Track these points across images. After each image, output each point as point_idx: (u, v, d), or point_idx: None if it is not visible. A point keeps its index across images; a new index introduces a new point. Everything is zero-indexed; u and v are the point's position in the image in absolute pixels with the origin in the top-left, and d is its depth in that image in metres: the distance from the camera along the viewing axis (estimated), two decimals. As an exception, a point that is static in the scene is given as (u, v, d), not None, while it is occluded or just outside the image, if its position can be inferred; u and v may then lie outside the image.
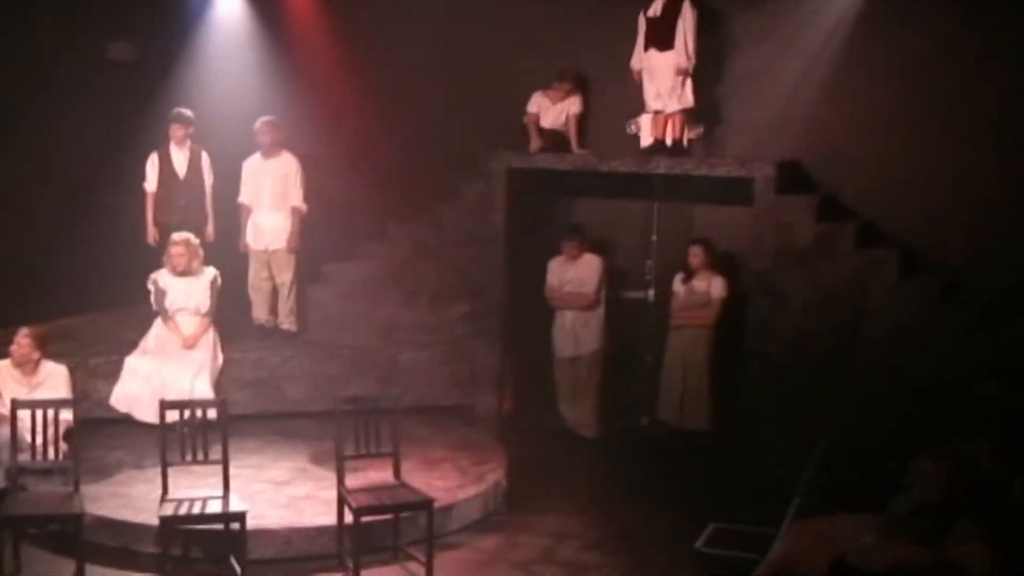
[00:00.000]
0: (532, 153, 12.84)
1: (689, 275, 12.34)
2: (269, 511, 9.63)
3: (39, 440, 9.09)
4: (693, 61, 12.23)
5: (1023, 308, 11.05)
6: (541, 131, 12.97)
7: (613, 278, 12.90)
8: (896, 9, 11.74)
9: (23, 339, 9.90)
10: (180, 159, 12.56)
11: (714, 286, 12.22)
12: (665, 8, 12.25)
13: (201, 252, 11.68)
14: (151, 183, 12.56)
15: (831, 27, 12.12)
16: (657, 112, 12.35)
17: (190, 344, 11.41)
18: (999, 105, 11.46)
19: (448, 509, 9.95)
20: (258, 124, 12.60)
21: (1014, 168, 11.42)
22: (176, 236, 11.59)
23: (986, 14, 11.39)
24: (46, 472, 9.50)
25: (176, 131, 12.47)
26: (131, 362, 11.46)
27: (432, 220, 13.20)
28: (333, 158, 13.05)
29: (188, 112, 12.54)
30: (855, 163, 12.03)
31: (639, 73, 12.42)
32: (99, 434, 11.05)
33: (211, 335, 11.65)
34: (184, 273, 11.51)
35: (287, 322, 12.87)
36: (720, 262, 12.33)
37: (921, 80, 11.78)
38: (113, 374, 11.49)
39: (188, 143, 12.57)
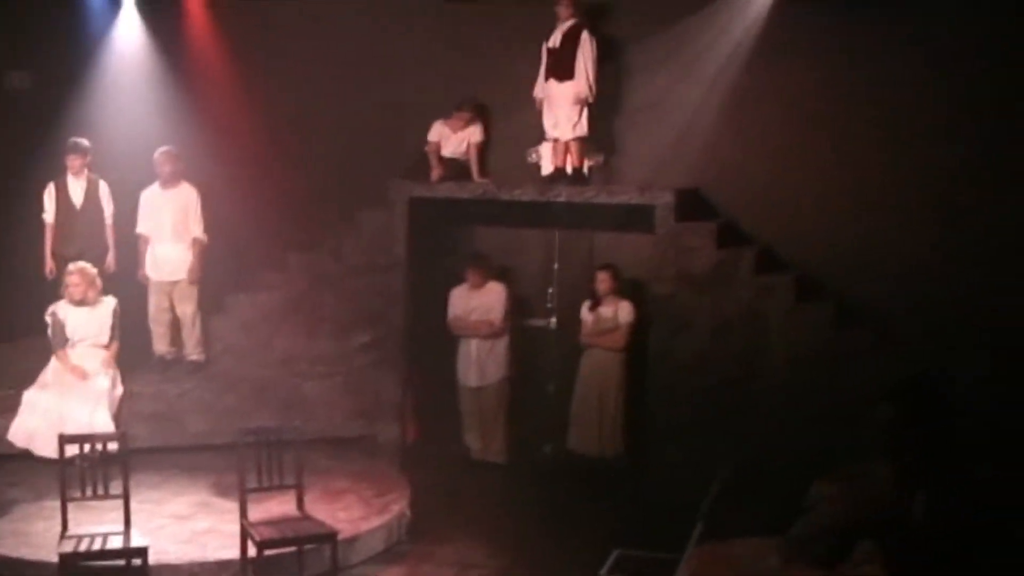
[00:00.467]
0: (433, 182, 12.84)
1: (596, 302, 12.39)
2: (171, 546, 9.52)
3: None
4: (593, 90, 12.30)
5: (915, 331, 11.30)
6: (442, 160, 12.98)
7: (516, 306, 12.92)
8: (785, 40, 11.95)
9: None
10: (77, 190, 12.42)
11: (621, 311, 12.28)
12: (564, 38, 12.30)
13: (99, 282, 11.51)
14: (48, 214, 12.41)
15: (726, 57, 12.29)
16: (555, 140, 12.42)
17: (80, 374, 11.21)
18: (887, 131, 11.72)
19: (352, 541, 9.89)
20: (157, 154, 12.50)
21: (903, 193, 11.67)
22: (71, 266, 11.43)
23: (868, 44, 11.70)
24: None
25: (73, 161, 12.34)
26: (29, 396, 11.22)
27: (332, 249, 13.12)
28: (232, 187, 12.96)
29: (85, 142, 12.41)
30: (752, 190, 12.21)
31: (541, 102, 12.48)
32: (-3, 470, 10.88)
33: (111, 367, 11.49)
34: (82, 303, 11.34)
35: (195, 353, 12.77)
36: (626, 288, 12.38)
37: (812, 108, 12.02)
38: (11, 408, 11.27)
39: (86, 173, 12.43)
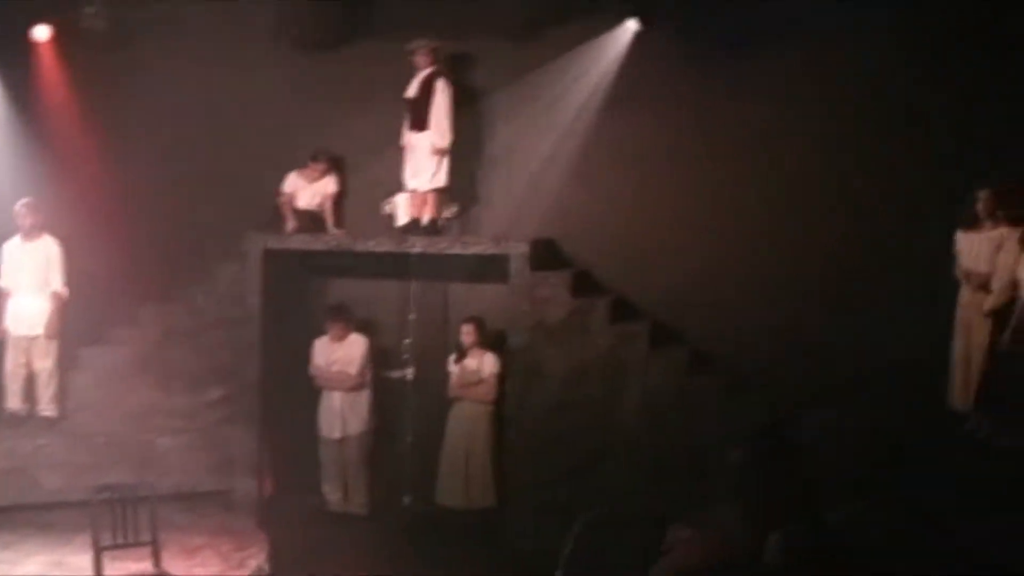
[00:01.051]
0: (288, 234, 12.83)
1: (461, 354, 12.47)
2: (25, 607, 9.37)
3: None
4: (448, 140, 12.40)
5: (765, 376, 11.58)
6: (296, 211, 12.98)
7: (375, 358, 12.91)
8: (636, 90, 12.22)
9: None
10: None
11: (486, 363, 12.36)
12: (421, 89, 12.41)
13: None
14: None
15: (577, 107, 12.50)
16: (413, 191, 12.50)
17: None
18: (738, 179, 12.02)
19: (211, 596, 9.83)
20: (18, 206, 12.34)
21: (755, 242, 11.97)
22: None
23: (718, 94, 11.97)
24: None
25: None
26: None
27: (185, 303, 13.01)
28: (87, 240, 12.76)
29: None
30: (605, 239, 12.42)
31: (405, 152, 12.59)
32: None
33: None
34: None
35: (48, 408, 12.54)
36: (491, 340, 12.44)
37: (663, 157, 12.29)
38: None
39: None
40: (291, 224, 12.92)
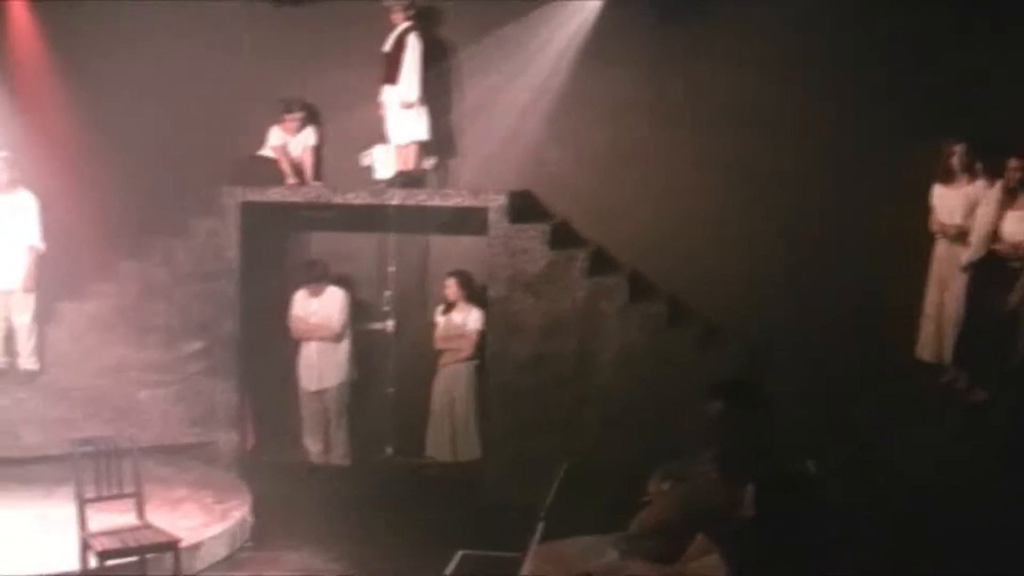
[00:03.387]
0: (295, 187, 12.80)
1: (449, 307, 12.53)
2: (5, 561, 9.36)
3: None
4: (415, 94, 12.41)
5: (738, 329, 11.70)
6: (291, 164, 12.97)
7: (353, 310, 12.96)
8: (612, 44, 12.25)
9: None
10: None
11: (471, 318, 12.46)
12: (395, 43, 12.42)
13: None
14: None
15: (553, 60, 12.51)
16: (392, 144, 12.51)
17: None
18: (711, 133, 12.12)
19: (194, 548, 9.84)
20: (-7, 160, 12.29)
21: (729, 193, 12.12)
22: None
23: (691, 49, 12.12)
24: None
25: None
26: None
27: (163, 257, 12.99)
28: (62, 194, 12.73)
29: None
30: (583, 192, 12.50)
31: (382, 106, 12.59)
32: None
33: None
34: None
35: (29, 362, 12.54)
36: (479, 294, 12.49)
37: (638, 111, 12.37)
38: None
39: None
40: (291, 178, 12.89)
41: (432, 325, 12.68)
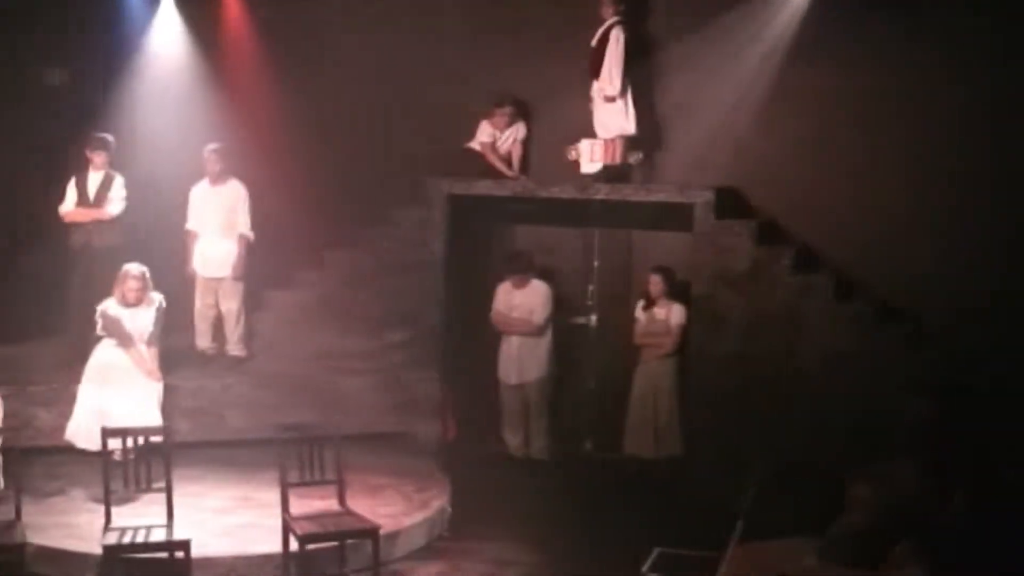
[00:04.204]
0: (513, 177, 12.90)
1: (650, 303, 12.44)
2: (212, 539, 9.57)
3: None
4: (616, 88, 12.34)
5: (949, 330, 11.32)
6: (501, 158, 13.05)
7: (556, 304, 12.92)
8: (821, 40, 11.93)
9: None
10: (94, 184, 12.33)
11: (673, 314, 12.32)
12: (600, 38, 12.39)
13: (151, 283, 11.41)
14: (67, 205, 12.36)
15: (762, 55, 12.31)
16: (599, 138, 12.46)
17: (157, 376, 11.26)
18: (922, 132, 11.76)
19: (393, 536, 9.95)
20: (207, 152, 12.56)
21: (939, 193, 11.71)
22: (133, 270, 11.13)
23: (900, 46, 11.75)
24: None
25: (95, 156, 12.26)
26: (79, 391, 11.09)
27: (368, 247, 13.17)
28: (270, 185, 12.99)
29: (109, 137, 12.32)
30: (790, 189, 12.24)
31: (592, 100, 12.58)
32: (39, 463, 10.93)
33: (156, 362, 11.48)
34: (134, 304, 11.23)
35: (236, 348, 12.81)
36: (679, 290, 12.36)
37: (848, 108, 12.07)
38: (52, 402, 11.39)
39: (105, 168, 12.35)
40: (509, 171, 12.98)
41: (633, 320, 12.56)
